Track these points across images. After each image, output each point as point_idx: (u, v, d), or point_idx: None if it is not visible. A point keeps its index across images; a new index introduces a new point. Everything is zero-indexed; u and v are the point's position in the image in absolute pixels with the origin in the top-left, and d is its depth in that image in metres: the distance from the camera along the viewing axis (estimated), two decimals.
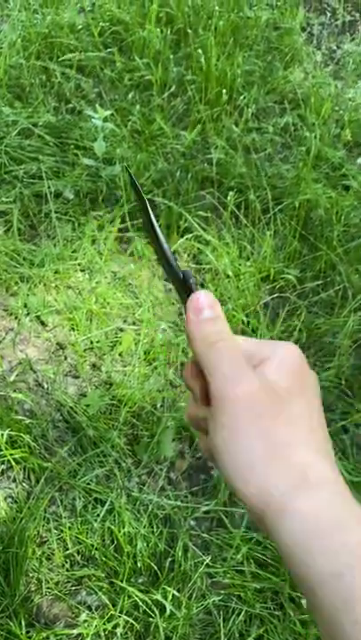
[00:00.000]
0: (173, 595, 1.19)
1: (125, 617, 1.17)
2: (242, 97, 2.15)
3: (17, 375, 1.47)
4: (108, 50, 2.17)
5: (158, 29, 2.20)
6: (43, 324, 1.57)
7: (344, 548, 0.32)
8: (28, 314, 1.56)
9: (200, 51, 2.14)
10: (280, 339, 1.64)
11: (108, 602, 1.20)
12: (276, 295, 1.74)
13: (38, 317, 1.56)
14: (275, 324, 1.64)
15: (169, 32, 2.21)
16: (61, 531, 1.26)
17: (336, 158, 2.05)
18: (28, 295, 1.58)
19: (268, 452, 0.36)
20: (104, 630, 1.17)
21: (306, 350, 1.65)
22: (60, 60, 2.09)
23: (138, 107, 2.00)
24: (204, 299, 0.40)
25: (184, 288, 0.42)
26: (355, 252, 1.83)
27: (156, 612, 1.17)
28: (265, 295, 1.73)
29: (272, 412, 0.37)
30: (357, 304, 1.71)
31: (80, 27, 2.19)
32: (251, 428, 0.36)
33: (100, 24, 2.19)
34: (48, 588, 1.22)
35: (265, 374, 0.38)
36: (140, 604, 1.18)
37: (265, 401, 0.37)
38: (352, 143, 2.19)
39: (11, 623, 1.14)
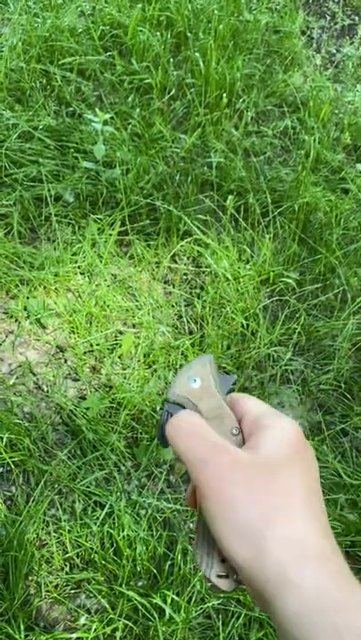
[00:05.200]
0: (173, 598, 1.19)
1: (125, 620, 1.17)
2: (241, 100, 2.15)
3: (17, 378, 1.47)
4: (108, 53, 2.17)
5: (158, 33, 2.21)
6: (43, 326, 1.57)
7: (349, 630, 0.32)
8: (28, 317, 1.57)
9: (200, 54, 2.14)
10: (280, 342, 1.65)
11: (107, 605, 1.19)
12: (275, 298, 1.74)
13: (38, 320, 1.57)
14: (274, 327, 1.64)
15: (169, 36, 2.22)
16: (61, 534, 1.26)
17: (335, 162, 2.06)
18: (28, 298, 1.58)
19: (264, 522, 0.36)
20: (103, 634, 1.17)
21: (305, 353, 1.65)
22: (60, 63, 2.10)
23: (138, 110, 2.00)
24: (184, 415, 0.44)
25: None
26: (354, 255, 1.83)
27: (156, 616, 1.17)
28: (264, 298, 1.73)
29: (264, 480, 0.37)
30: (357, 307, 1.72)
31: (80, 30, 2.20)
32: (244, 497, 0.37)
33: (101, 28, 2.20)
34: (47, 591, 1.22)
35: (259, 446, 0.39)
36: (140, 607, 1.18)
37: (255, 470, 0.38)
38: (351, 146, 2.19)
39: (9, 627, 1.14)
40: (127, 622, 1.17)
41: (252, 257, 1.78)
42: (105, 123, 1.82)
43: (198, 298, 1.69)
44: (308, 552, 0.35)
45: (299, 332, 1.65)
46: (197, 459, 0.39)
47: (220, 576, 0.40)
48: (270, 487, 0.37)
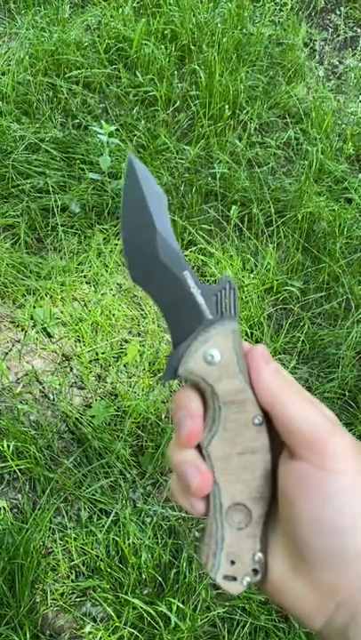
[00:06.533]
0: (178, 606, 1.20)
1: (130, 629, 1.18)
2: (245, 112, 2.18)
3: (23, 386, 1.48)
4: (114, 66, 2.21)
5: (163, 46, 2.24)
6: (49, 335, 1.58)
7: None
8: (34, 325, 1.58)
9: (204, 67, 2.18)
10: (284, 350, 1.66)
11: (112, 613, 1.20)
12: (279, 307, 1.75)
13: (44, 329, 1.58)
14: (278, 336, 1.65)
15: (173, 49, 2.25)
16: (67, 542, 1.27)
17: (338, 172, 2.08)
18: (34, 307, 1.60)
19: (352, 522, 0.33)
20: None
21: (309, 361, 1.66)
22: (66, 76, 2.13)
23: (143, 122, 2.03)
24: (264, 350, 0.38)
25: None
26: (358, 263, 1.85)
27: (161, 624, 1.17)
28: (268, 307, 1.74)
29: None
30: (360, 315, 1.73)
31: (86, 44, 2.23)
32: (342, 491, 0.33)
33: (106, 41, 2.24)
34: (53, 599, 1.22)
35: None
36: (145, 615, 1.18)
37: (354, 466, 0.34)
38: (354, 157, 2.21)
39: (15, 635, 1.15)
40: (133, 630, 1.18)
41: (255, 266, 1.79)
42: (110, 134, 1.84)
43: None
44: None
45: (303, 341, 1.66)
46: None
47: (226, 578, 0.39)
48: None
